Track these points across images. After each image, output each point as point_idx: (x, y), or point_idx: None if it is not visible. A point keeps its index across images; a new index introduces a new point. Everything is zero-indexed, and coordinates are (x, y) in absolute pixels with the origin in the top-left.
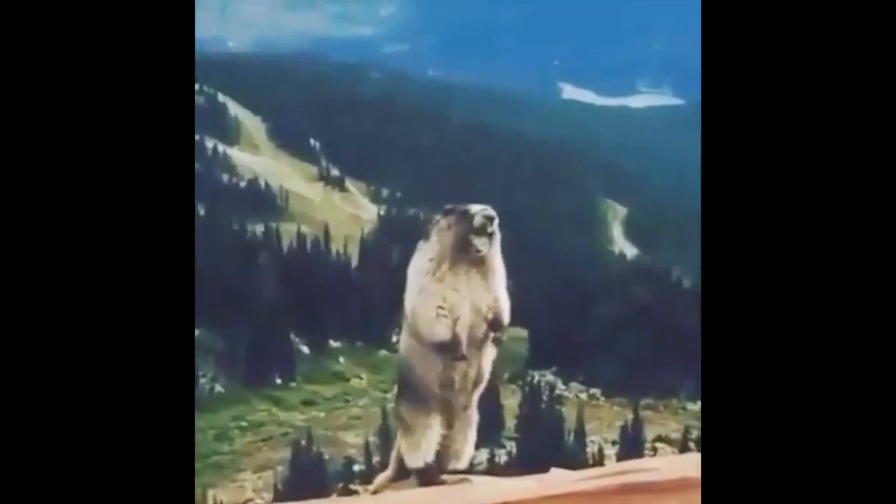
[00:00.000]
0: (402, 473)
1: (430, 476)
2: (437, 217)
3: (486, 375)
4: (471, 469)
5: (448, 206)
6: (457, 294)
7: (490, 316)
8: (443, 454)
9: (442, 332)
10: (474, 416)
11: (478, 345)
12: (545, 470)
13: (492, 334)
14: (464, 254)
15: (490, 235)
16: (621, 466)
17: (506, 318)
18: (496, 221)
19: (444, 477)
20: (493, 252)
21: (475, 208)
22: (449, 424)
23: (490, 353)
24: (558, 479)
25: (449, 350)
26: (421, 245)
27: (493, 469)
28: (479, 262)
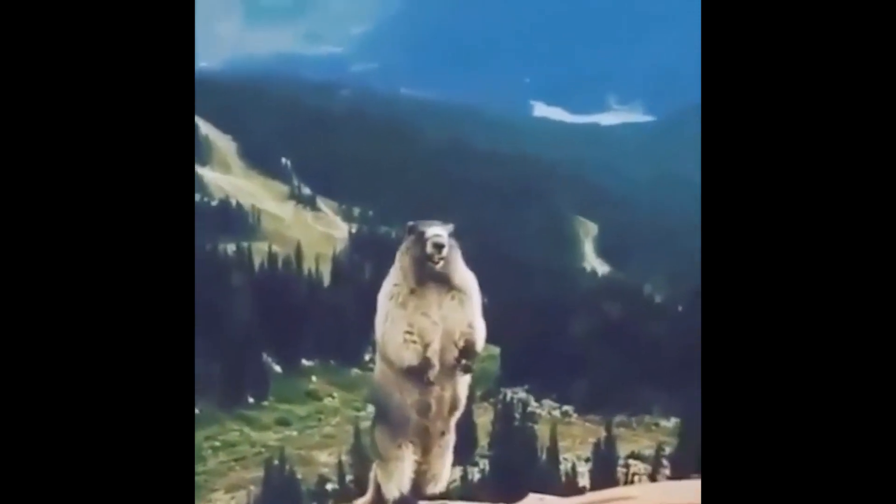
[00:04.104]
0: (380, 499)
1: None
2: (405, 236)
3: (463, 400)
4: (448, 493)
5: (410, 224)
6: (427, 319)
7: (461, 343)
8: (420, 478)
9: (410, 358)
10: (452, 440)
11: (451, 370)
12: (519, 489)
13: (463, 361)
14: (423, 277)
15: (442, 260)
16: (599, 496)
17: (479, 345)
18: (445, 248)
19: (422, 503)
20: (465, 276)
21: (429, 232)
22: (426, 450)
23: (466, 378)
24: None
25: (418, 375)
26: (391, 270)
27: (466, 487)
28: (452, 287)
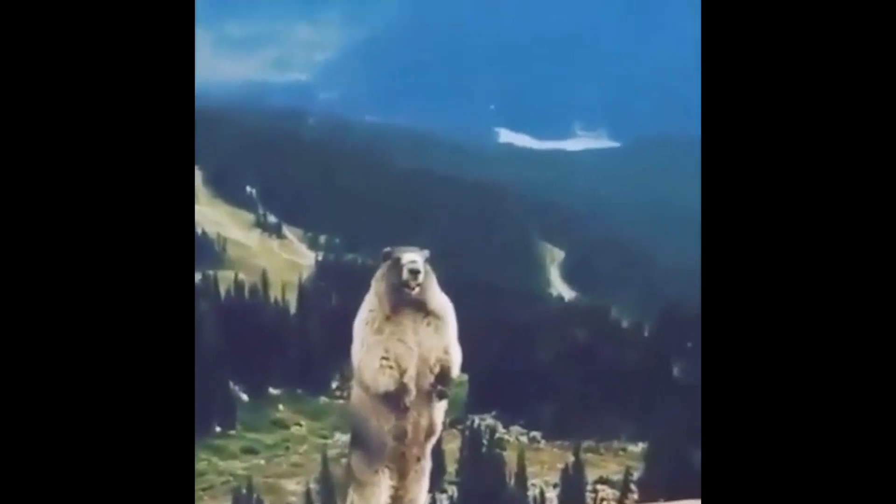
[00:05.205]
0: None
1: None
2: (380, 262)
3: (439, 426)
4: None
5: (386, 250)
6: (402, 345)
7: (437, 368)
8: None
9: (387, 383)
10: (428, 465)
11: (427, 396)
12: None
13: (438, 387)
14: (399, 303)
15: (419, 286)
16: None
17: (455, 371)
18: (421, 275)
19: None
20: (441, 302)
21: (405, 259)
22: (402, 475)
23: (442, 404)
24: None
25: (395, 401)
26: (367, 296)
27: None
28: (428, 313)
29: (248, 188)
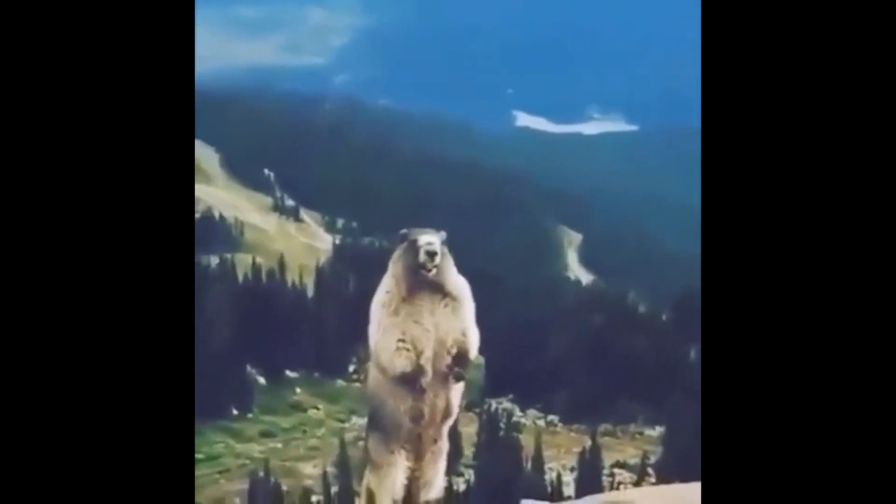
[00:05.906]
0: None
1: None
2: (397, 244)
3: (456, 408)
4: (442, 501)
5: (403, 232)
6: (419, 326)
7: (454, 350)
8: (413, 485)
9: (403, 365)
10: (444, 447)
11: (444, 377)
12: (504, 499)
13: (455, 369)
14: (416, 285)
15: (435, 267)
16: (597, 500)
17: (472, 353)
18: (438, 256)
19: None
20: (458, 284)
21: (422, 240)
22: (418, 456)
23: (459, 386)
24: None
25: (411, 382)
26: (384, 278)
27: (450, 497)
28: (445, 295)
29: (266, 171)
